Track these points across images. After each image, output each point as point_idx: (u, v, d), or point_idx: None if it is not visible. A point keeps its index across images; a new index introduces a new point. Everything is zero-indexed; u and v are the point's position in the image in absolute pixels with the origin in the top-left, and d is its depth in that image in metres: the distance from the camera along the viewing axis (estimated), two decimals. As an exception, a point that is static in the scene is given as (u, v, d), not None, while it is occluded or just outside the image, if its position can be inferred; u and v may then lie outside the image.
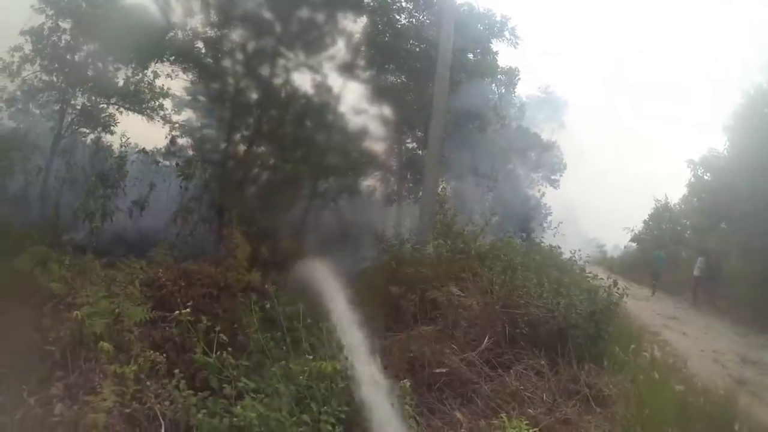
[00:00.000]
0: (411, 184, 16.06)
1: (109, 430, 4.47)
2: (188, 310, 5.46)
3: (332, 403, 4.80)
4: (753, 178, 15.75)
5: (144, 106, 13.87)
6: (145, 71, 13.67)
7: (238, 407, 4.34)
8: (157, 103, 13.95)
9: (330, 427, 4.54)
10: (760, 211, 15.29)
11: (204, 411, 4.64)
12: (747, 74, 18.34)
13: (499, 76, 17.97)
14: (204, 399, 4.74)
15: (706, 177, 18.96)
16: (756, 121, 16.96)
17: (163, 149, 13.41)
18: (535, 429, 5.01)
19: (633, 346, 8.28)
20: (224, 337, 5.25)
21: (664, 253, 19.34)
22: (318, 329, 5.84)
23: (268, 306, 5.93)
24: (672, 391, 7.22)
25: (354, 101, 14.46)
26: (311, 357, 5.12)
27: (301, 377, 4.63)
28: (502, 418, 4.81)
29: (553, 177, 20.81)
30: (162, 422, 4.68)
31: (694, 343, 12.26)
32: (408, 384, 4.75)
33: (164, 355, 5.46)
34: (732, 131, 18.06)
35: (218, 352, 5.04)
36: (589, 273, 10.63)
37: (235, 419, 4.24)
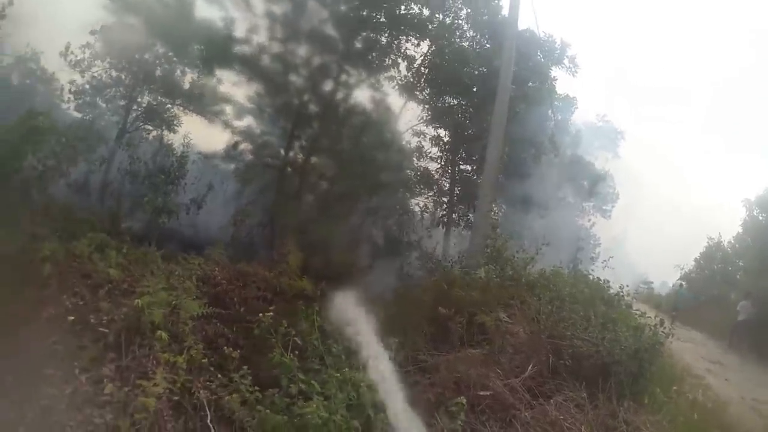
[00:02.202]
0: (462, 207, 16.24)
1: (157, 415, 4.74)
2: (270, 313, 5.89)
3: (387, 412, 5.10)
4: None
5: (206, 109, 13.95)
6: (211, 77, 14.04)
7: (308, 407, 4.66)
8: (219, 108, 14.35)
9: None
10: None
11: (260, 408, 4.97)
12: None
13: (556, 103, 18.10)
14: (271, 396, 5.09)
15: (761, 217, 18.47)
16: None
17: (222, 152, 13.56)
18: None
19: (675, 387, 8.31)
20: (299, 342, 5.60)
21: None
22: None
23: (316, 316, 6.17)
24: (709, 435, 7.28)
25: (412, 121, 14.77)
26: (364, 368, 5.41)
27: (360, 385, 4.94)
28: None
29: (604, 207, 20.58)
30: (208, 413, 4.98)
31: (736, 389, 12.04)
32: (464, 401, 4.99)
33: (229, 349, 5.80)
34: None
35: (290, 354, 5.37)
36: (636, 310, 10.63)
37: (297, 418, 4.56)
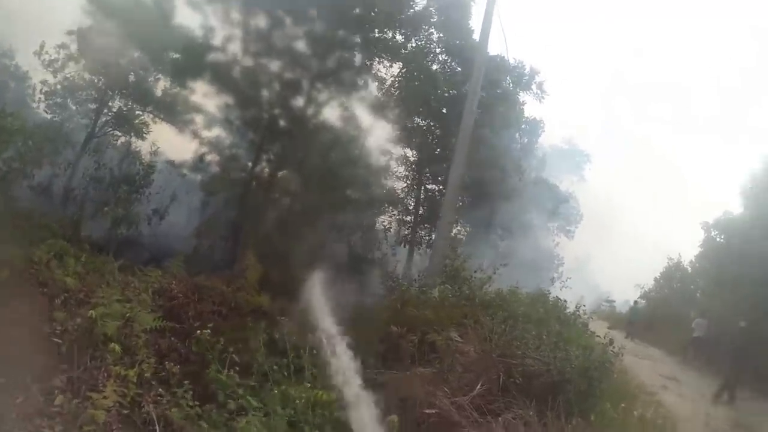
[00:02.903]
0: (426, 226, 16.45)
1: (106, 428, 4.71)
2: (208, 330, 5.97)
3: (326, 429, 5.21)
4: (764, 243, 15.78)
5: (177, 118, 13.84)
6: (183, 86, 13.73)
7: (243, 422, 4.74)
8: (190, 117, 13.85)
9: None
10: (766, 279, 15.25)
11: (201, 423, 5.02)
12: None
13: (524, 126, 18.55)
14: (209, 411, 5.16)
15: (719, 239, 19.00)
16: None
17: (190, 162, 13.50)
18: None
19: (623, 404, 8.51)
20: (236, 358, 5.68)
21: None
22: (318, 359, 6.25)
23: (276, 335, 6.22)
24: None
25: (380, 140, 14.95)
26: (309, 385, 5.49)
27: (297, 401, 5.02)
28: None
29: (568, 228, 21.10)
30: (157, 427, 4.96)
31: (690, 405, 12.33)
32: (396, 419, 5.11)
33: (177, 365, 5.84)
34: (748, 196, 18.08)
35: (229, 370, 5.44)
36: (591, 329, 10.89)
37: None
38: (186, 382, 5.47)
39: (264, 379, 5.63)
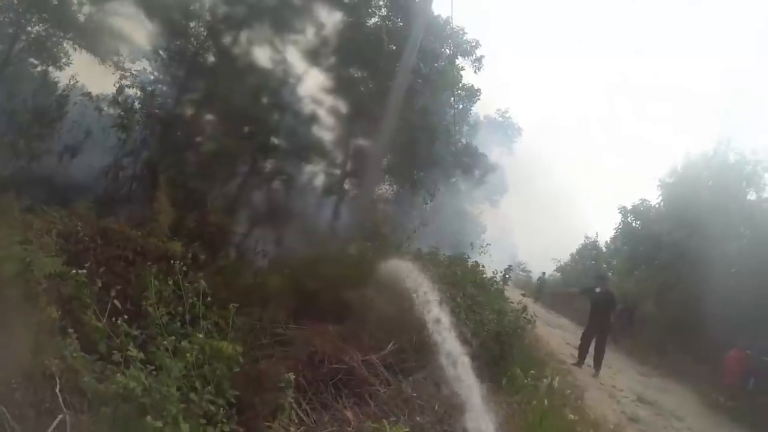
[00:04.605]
0: (354, 180, 16.11)
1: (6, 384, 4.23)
2: (84, 270, 5.40)
3: (224, 385, 4.79)
4: (676, 232, 16.90)
5: (100, 47, 12.98)
6: (107, 11, 12.81)
7: (123, 377, 4.22)
8: (114, 47, 13.20)
9: (214, 408, 4.54)
10: (675, 264, 16.33)
11: (92, 375, 4.53)
12: (696, 140, 20.01)
13: (459, 92, 18.40)
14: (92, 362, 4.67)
15: (635, 224, 19.98)
16: (690, 182, 18.22)
17: (110, 96, 12.16)
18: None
19: (532, 371, 8.62)
20: (118, 304, 5.13)
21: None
22: (223, 310, 5.79)
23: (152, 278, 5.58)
24: (564, 419, 7.61)
25: (312, 89, 14.39)
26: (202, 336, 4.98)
27: (188, 355, 4.56)
28: (384, 423, 4.91)
29: (494, 197, 21.51)
30: (57, 381, 4.46)
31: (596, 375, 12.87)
32: (291, 377, 4.75)
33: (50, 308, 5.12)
34: (666, 187, 19.20)
35: (113, 318, 4.89)
36: (508, 296, 10.98)
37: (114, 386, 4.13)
38: (71, 330, 4.87)
39: (159, 329, 5.05)
